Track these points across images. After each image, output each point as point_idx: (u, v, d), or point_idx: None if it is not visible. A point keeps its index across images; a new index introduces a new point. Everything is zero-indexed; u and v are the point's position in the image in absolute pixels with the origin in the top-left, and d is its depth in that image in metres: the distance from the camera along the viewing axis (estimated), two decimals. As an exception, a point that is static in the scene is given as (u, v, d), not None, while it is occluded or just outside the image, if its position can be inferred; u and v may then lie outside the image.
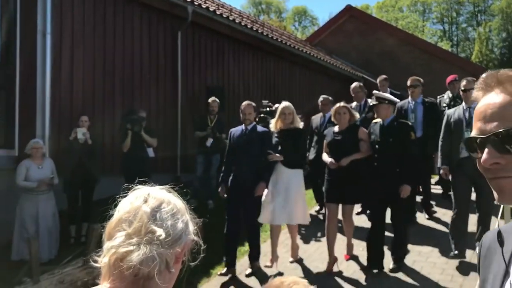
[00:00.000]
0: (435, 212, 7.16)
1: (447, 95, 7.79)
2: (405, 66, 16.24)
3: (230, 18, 10.26)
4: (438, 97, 8.12)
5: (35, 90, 6.84)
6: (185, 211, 1.23)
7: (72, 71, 7.38)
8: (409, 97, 7.03)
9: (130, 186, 1.23)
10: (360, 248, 5.90)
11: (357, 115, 5.76)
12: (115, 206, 1.20)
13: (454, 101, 7.31)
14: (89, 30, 7.66)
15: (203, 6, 9.36)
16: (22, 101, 6.95)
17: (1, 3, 6.92)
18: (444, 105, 7.50)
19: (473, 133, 1.08)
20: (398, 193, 5.04)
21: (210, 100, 8.24)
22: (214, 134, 7.97)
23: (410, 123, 5.50)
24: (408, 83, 7.06)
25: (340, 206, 5.54)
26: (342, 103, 5.53)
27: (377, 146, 5.27)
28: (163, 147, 8.18)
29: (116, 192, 1.25)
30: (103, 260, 1.12)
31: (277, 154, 5.53)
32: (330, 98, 7.44)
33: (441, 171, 5.58)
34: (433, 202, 7.38)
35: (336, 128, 5.60)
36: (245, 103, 5.76)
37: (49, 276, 4.69)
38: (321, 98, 7.49)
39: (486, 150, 1.03)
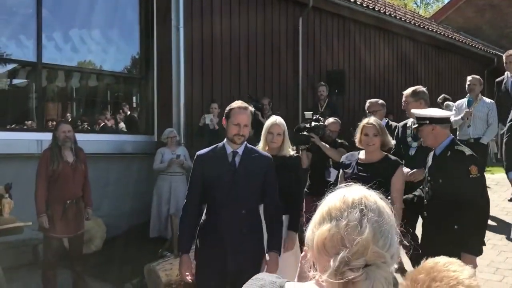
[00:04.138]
0: None
1: None
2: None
3: (351, 0, 10.06)
4: None
5: (170, 80, 7.39)
6: (388, 208, 1.11)
7: (202, 62, 7.83)
8: None
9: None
10: None
11: (392, 141, 3.70)
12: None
13: None
14: (216, 22, 8.04)
15: (324, -10, 9.31)
16: (160, 91, 7.56)
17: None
18: None
19: None
20: None
21: (318, 85, 8.48)
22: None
23: (470, 152, 3.22)
24: None
25: None
26: (371, 119, 3.58)
27: (427, 189, 3.41)
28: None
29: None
30: (320, 277, 1.05)
31: None
32: (380, 101, 5.41)
33: None
34: None
35: (361, 155, 3.65)
36: (236, 105, 3.16)
37: (187, 252, 5.09)
38: (367, 104, 5.45)
39: None
